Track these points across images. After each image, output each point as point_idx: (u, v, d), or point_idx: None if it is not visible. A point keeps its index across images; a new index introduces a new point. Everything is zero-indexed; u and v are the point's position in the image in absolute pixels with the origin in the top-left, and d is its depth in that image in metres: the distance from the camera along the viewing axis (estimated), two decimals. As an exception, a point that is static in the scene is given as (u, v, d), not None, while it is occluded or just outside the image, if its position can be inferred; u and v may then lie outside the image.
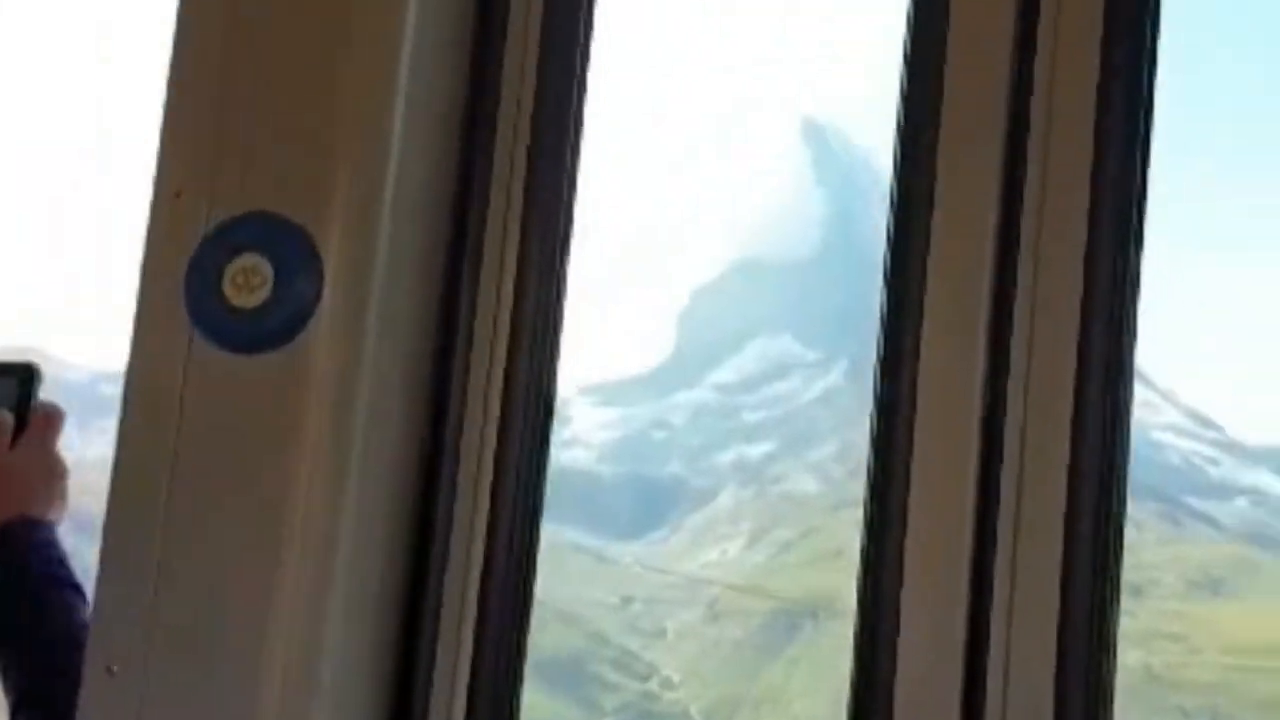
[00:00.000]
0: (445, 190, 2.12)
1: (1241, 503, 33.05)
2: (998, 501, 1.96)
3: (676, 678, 27.14)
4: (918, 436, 2.00)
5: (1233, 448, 35.36)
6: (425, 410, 2.07)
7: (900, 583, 1.97)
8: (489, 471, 2.20)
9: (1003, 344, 2.01)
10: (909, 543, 2.00)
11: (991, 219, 2.05)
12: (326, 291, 1.84)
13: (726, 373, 40.30)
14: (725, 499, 32.05)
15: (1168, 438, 34.88)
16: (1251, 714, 25.85)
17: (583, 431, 35.64)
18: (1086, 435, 1.94)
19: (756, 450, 33.65)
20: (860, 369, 36.77)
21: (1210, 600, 27.93)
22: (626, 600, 28.60)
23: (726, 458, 34.13)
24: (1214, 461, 34.85)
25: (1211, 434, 35.76)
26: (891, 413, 2.03)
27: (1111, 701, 1.95)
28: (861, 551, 1.99)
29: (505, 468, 2.28)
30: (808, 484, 31.51)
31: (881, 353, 1.99)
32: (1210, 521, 30.91)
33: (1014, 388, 1.96)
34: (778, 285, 46.89)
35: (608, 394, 37.37)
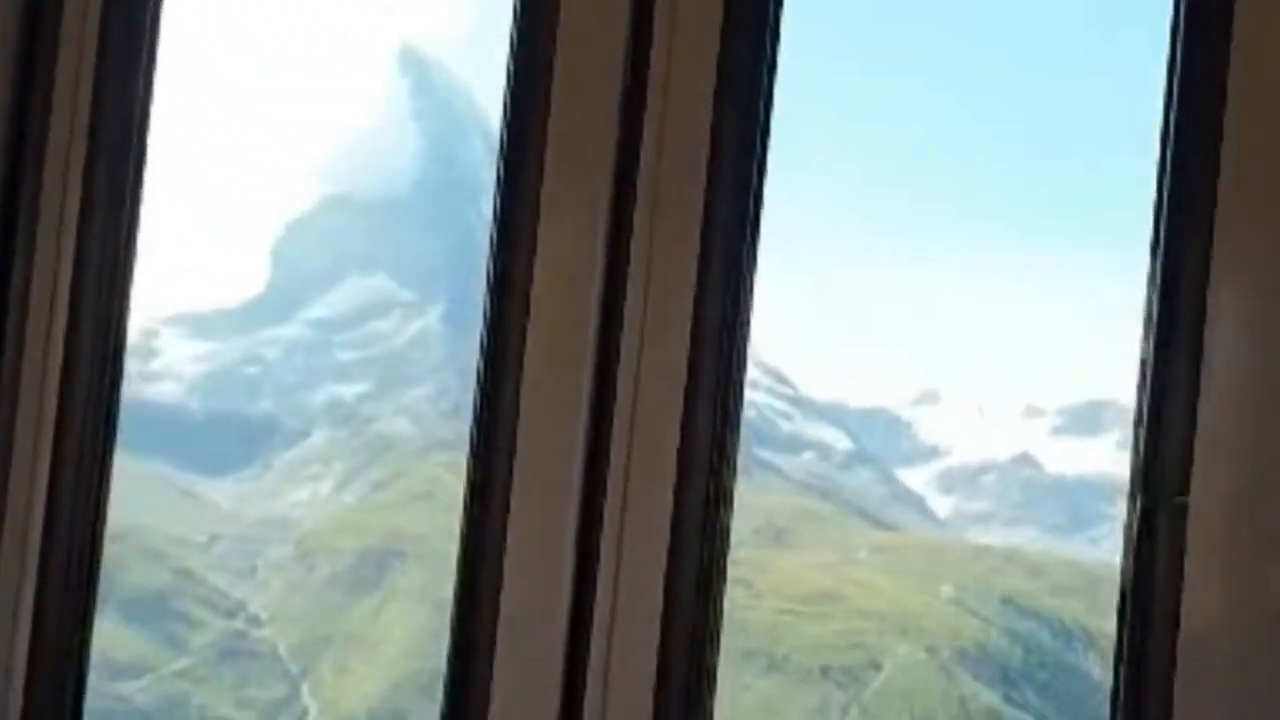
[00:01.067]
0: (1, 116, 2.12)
1: (808, 456, 34.99)
2: (609, 447, 2.17)
3: (265, 615, 27.11)
4: (525, 392, 2.17)
5: (801, 403, 37.36)
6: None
7: (505, 527, 2.16)
8: (53, 407, 2.25)
9: (618, 290, 2.18)
10: (516, 481, 2.20)
11: (609, 164, 2.22)
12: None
13: (320, 309, 39.96)
14: (318, 438, 32.00)
15: (745, 392, 36.56)
16: (801, 655, 27.54)
17: (173, 364, 34.85)
18: (699, 393, 2.18)
19: (350, 390, 33.66)
20: (456, 311, 37.10)
21: (774, 549, 29.56)
22: (215, 537, 28.35)
23: (319, 396, 34.02)
24: (786, 416, 36.71)
25: (785, 390, 37.66)
26: (500, 360, 2.18)
27: (717, 638, 2.22)
28: (467, 487, 2.18)
29: (71, 402, 2.33)
30: (401, 425, 31.76)
31: (492, 284, 2.16)
32: (779, 473, 32.65)
33: (628, 339, 2.19)
34: (373, 220, 46.51)
35: (199, 326, 36.59)
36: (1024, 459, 43.19)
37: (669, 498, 2.27)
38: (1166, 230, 2.25)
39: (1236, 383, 2.26)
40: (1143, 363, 2.23)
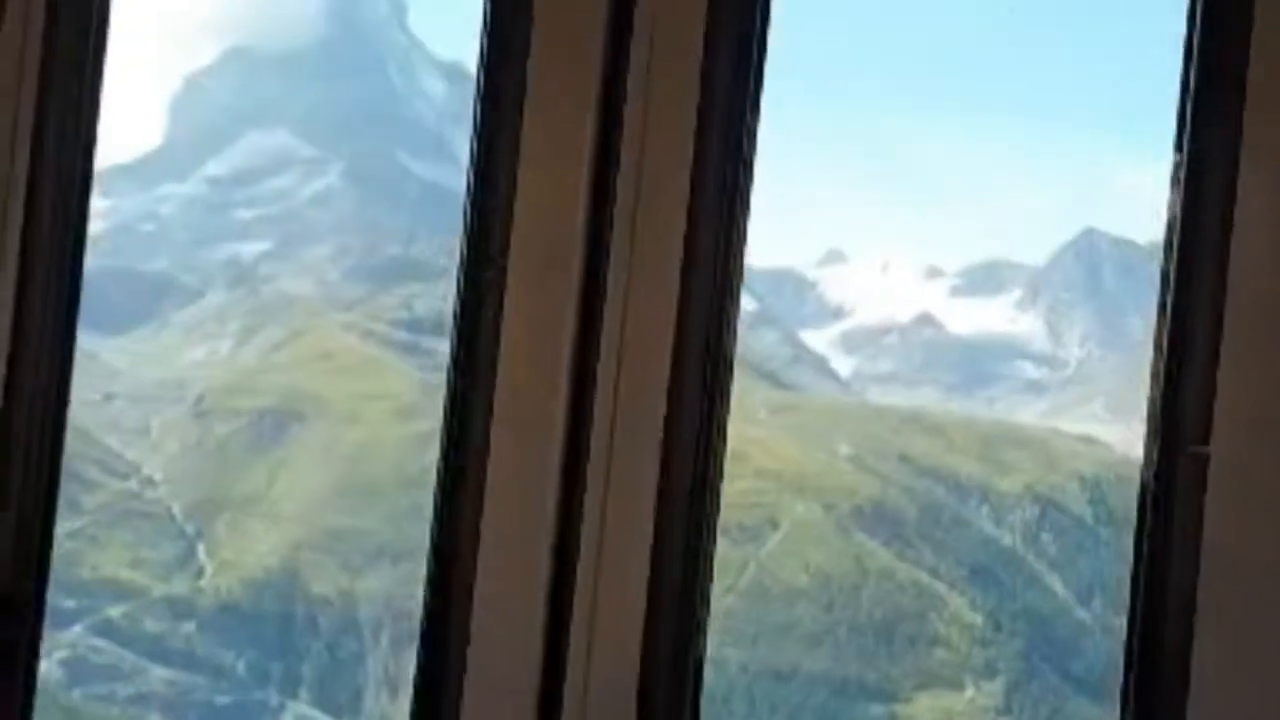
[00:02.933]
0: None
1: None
2: (601, 325, 2.07)
3: (159, 476, 26.96)
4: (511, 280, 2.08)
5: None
6: None
7: (489, 416, 2.06)
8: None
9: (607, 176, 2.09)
10: (496, 407, 2.09)
11: (592, 99, 2.12)
12: None
13: (218, 166, 39.31)
14: (215, 296, 31.65)
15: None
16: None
17: (66, 221, 34.19)
18: (690, 302, 2.05)
19: (249, 248, 33.24)
20: (357, 169, 36.63)
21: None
22: (109, 397, 28.07)
23: (217, 254, 33.59)
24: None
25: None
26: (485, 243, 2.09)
27: (715, 521, 2.12)
28: (446, 403, 2.08)
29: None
30: (301, 285, 31.45)
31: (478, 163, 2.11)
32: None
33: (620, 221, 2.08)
34: (275, 75, 45.55)
35: (95, 182, 35.89)
36: (925, 319, 43.63)
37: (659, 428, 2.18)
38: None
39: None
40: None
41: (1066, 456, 32.77)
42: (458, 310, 2.27)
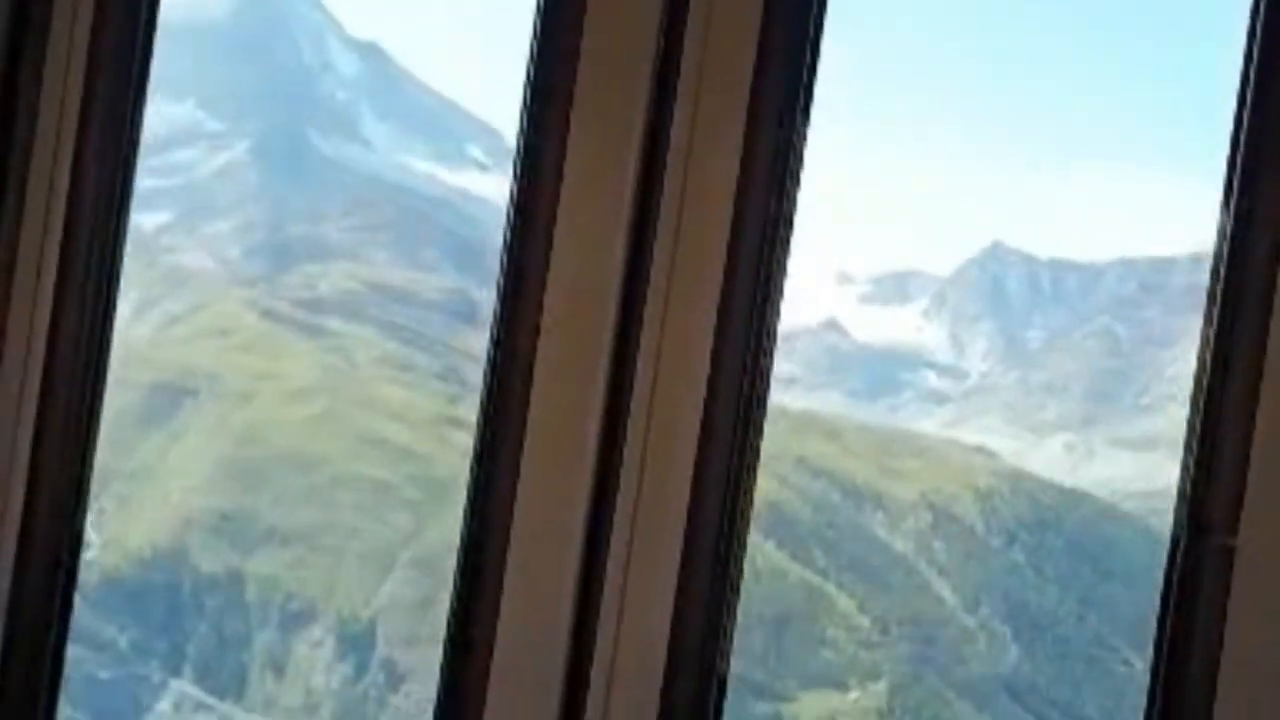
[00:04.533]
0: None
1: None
2: (641, 321, 2.04)
3: (47, 447, 26.53)
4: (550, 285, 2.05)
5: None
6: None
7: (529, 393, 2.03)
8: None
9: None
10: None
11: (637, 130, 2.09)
12: None
13: (124, 135, 38.54)
14: (113, 266, 31.19)
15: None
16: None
17: (-37, 184, 33.62)
18: (738, 268, 2.01)
19: (149, 219, 32.79)
20: (265, 145, 36.24)
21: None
22: (-1, 364, 27.57)
23: (117, 224, 33.08)
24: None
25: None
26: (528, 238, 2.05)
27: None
28: (489, 359, 2.06)
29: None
30: (201, 259, 31.09)
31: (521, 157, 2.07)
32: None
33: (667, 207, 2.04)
34: (183, 46, 45.02)
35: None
36: (832, 325, 43.84)
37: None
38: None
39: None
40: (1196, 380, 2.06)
41: (962, 467, 33.05)
42: (491, 358, 2.22)
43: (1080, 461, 39.93)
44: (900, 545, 29.11)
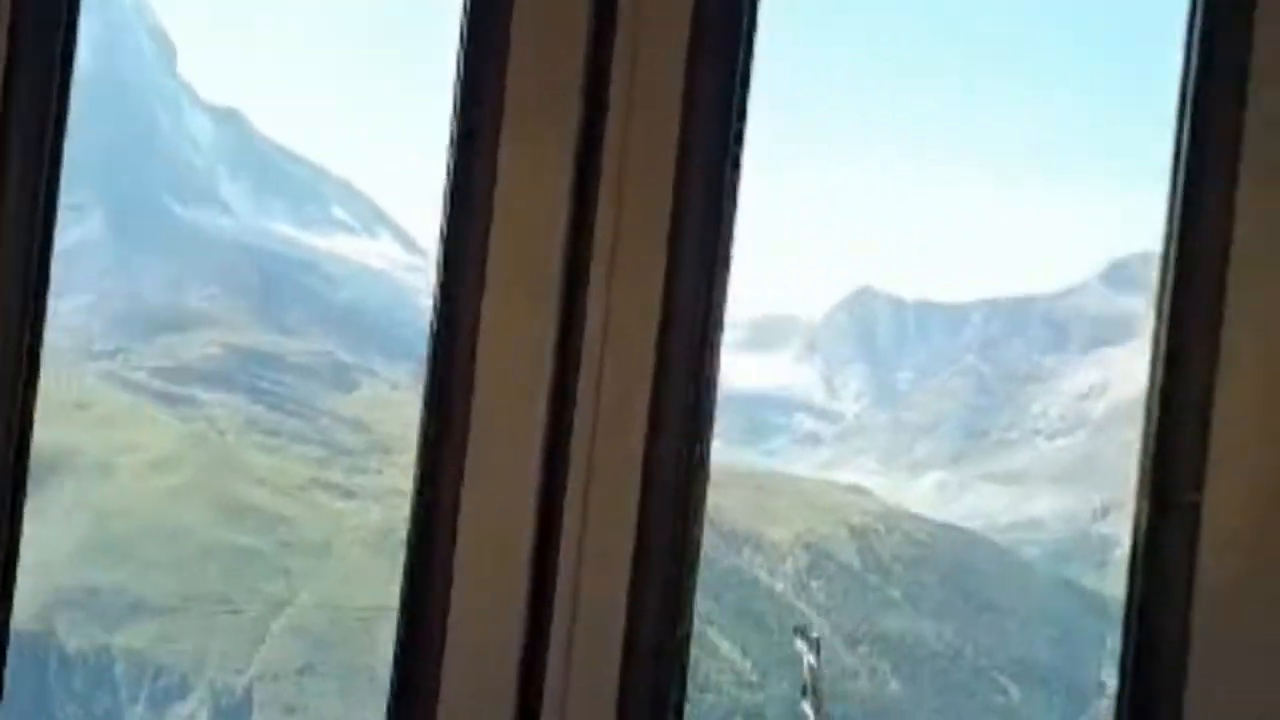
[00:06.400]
0: None
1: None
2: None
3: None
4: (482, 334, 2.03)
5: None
6: None
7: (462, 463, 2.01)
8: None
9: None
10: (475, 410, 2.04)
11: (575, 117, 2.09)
12: None
13: (-24, 211, 37.94)
14: (-34, 344, 30.59)
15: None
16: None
17: None
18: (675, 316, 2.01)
19: (4, 296, 32.15)
20: (119, 218, 35.78)
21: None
22: None
23: (-30, 301, 32.47)
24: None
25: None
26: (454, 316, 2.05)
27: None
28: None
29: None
30: (57, 336, 30.57)
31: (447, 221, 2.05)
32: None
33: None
34: (39, 121, 44.13)
35: None
36: (703, 372, 44.10)
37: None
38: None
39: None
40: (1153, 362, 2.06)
41: (837, 506, 33.26)
42: (432, 348, 2.18)
43: (952, 497, 40.36)
44: (779, 586, 29.19)
